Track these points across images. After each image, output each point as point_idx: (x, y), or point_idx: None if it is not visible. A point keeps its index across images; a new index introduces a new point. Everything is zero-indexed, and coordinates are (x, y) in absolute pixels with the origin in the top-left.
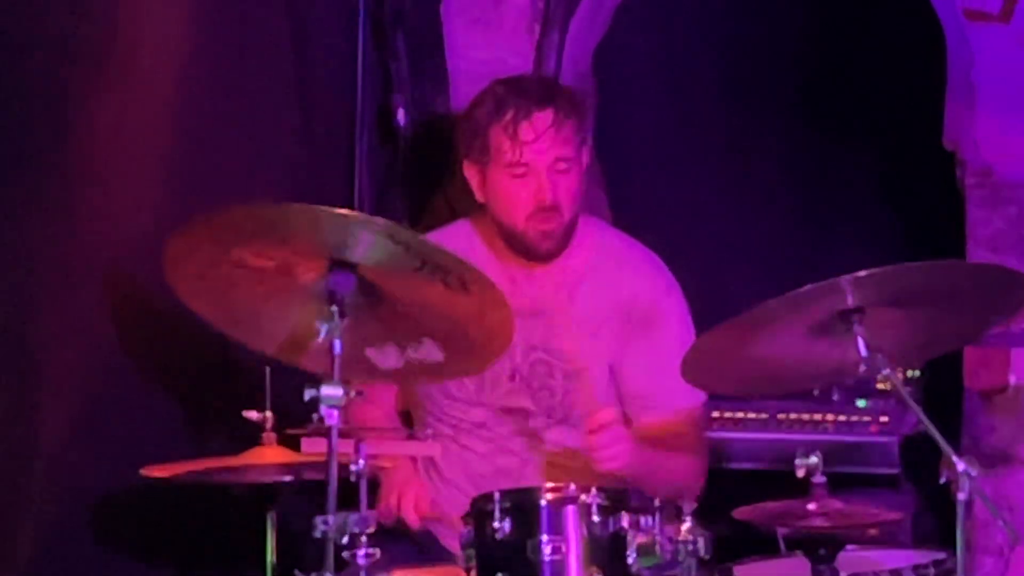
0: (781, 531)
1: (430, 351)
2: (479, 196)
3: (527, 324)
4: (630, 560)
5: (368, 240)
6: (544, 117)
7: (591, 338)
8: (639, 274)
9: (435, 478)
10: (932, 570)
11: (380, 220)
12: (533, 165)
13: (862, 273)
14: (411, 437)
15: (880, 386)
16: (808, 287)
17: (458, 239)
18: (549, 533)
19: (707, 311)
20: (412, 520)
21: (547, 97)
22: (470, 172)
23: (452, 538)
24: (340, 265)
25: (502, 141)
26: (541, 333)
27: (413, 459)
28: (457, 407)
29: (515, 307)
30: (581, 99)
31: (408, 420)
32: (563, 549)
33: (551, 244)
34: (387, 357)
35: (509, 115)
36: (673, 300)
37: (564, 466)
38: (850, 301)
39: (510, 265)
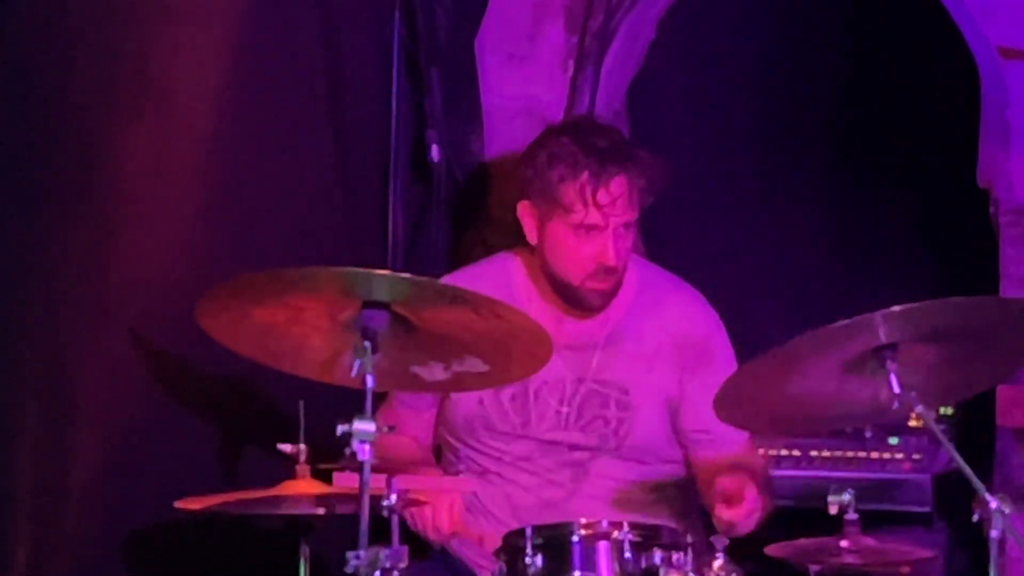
0: (814, 568)
1: (473, 364)
2: (532, 239)
3: (575, 357)
4: None
5: (394, 287)
6: (620, 183)
7: (645, 370)
8: (687, 309)
9: (478, 513)
10: None
11: (403, 275)
12: (602, 227)
13: (895, 309)
14: (443, 473)
15: (913, 424)
16: (841, 323)
17: (500, 275)
18: (581, 569)
19: (742, 352)
20: (444, 528)
21: (622, 161)
22: (526, 214)
23: (486, 571)
24: (372, 304)
25: (574, 202)
26: (591, 365)
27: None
28: (500, 440)
29: (560, 342)
30: (651, 161)
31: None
32: None
33: (602, 301)
34: (433, 371)
35: (584, 176)
36: (723, 334)
37: (617, 500)
38: (883, 337)
39: (554, 306)
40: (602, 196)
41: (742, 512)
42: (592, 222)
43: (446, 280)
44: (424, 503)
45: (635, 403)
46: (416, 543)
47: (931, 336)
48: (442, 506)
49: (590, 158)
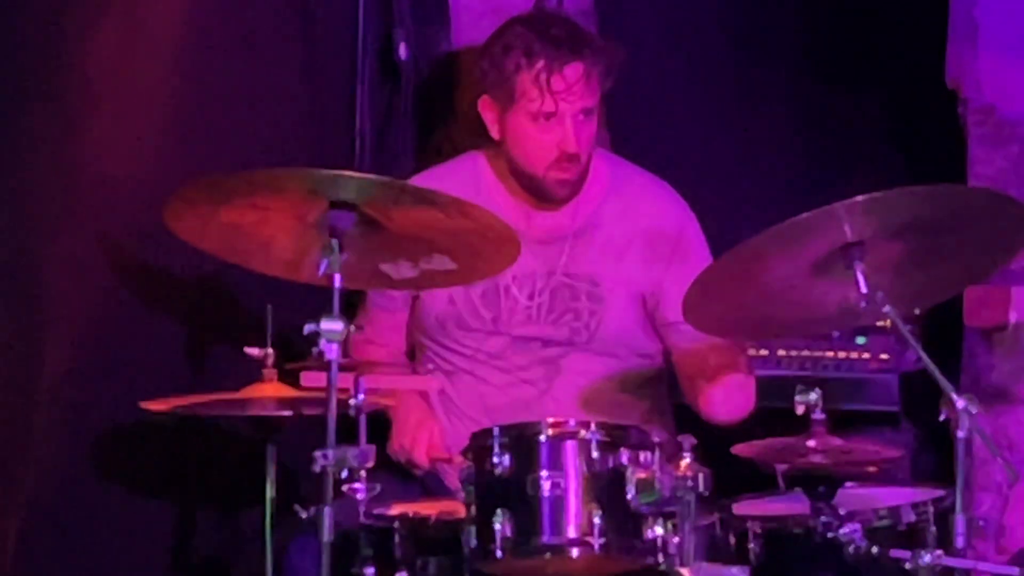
0: (780, 468)
1: (441, 262)
2: (495, 133)
3: (545, 251)
4: (629, 496)
5: (362, 188)
6: (575, 69)
7: (615, 262)
8: (659, 201)
9: (450, 412)
10: (931, 508)
11: (370, 176)
12: (560, 115)
13: (858, 199)
14: (412, 371)
15: (879, 323)
16: (804, 215)
17: (467, 173)
18: (549, 469)
19: (712, 254)
20: (422, 463)
21: (577, 48)
22: (487, 109)
23: (455, 476)
24: (339, 205)
25: (530, 90)
26: (561, 259)
27: (424, 396)
28: (472, 337)
29: (530, 236)
30: (607, 47)
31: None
32: (562, 485)
33: (567, 191)
34: (401, 269)
35: (540, 64)
36: (696, 226)
37: (590, 399)
38: (849, 234)
39: (523, 201)
40: (557, 82)
41: None
42: (549, 109)
43: (414, 181)
44: (403, 435)
45: (605, 295)
46: (383, 444)
47: (897, 231)
48: (420, 441)
49: (544, 45)
